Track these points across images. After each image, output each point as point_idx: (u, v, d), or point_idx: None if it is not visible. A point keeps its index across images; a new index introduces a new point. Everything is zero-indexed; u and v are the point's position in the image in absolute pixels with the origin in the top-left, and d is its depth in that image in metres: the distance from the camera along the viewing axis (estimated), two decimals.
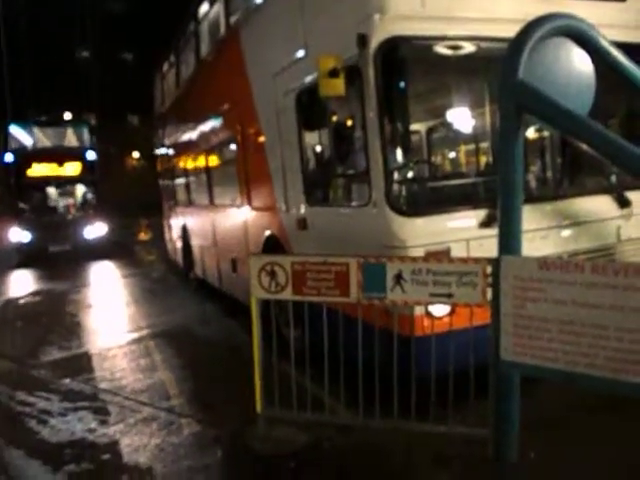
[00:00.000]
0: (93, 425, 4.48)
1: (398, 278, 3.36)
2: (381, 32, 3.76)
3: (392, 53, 3.77)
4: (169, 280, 11.67)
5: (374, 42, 3.76)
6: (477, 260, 3.25)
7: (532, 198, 4.00)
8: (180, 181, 11.03)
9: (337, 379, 3.77)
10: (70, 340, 7.16)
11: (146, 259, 15.67)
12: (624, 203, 4.40)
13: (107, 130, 49.99)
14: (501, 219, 3.20)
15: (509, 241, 3.15)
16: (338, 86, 3.86)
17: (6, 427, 4.61)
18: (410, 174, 4.08)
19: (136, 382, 5.43)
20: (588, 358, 2.72)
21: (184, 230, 10.61)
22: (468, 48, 4.01)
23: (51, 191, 17.04)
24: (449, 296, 3.29)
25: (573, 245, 4.19)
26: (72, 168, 16.92)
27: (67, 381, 5.55)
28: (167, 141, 12.03)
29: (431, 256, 3.59)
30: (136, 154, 48.60)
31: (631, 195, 4.41)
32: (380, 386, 3.60)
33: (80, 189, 17.33)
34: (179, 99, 10.45)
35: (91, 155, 17.05)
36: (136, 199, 31.54)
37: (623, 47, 3.41)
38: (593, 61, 3.28)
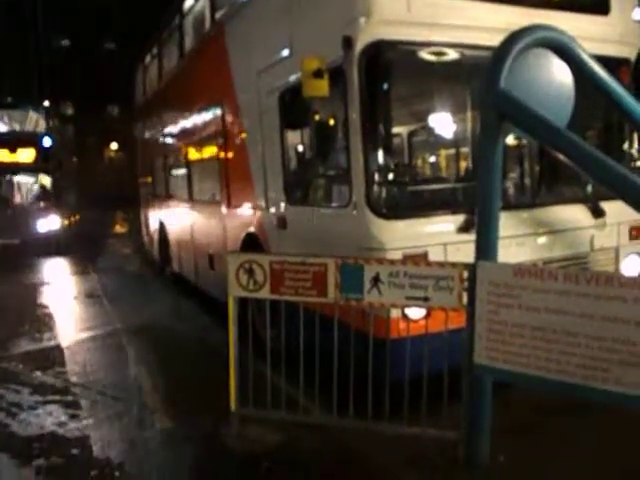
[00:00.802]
0: (63, 419, 4.42)
1: (375, 280, 3.39)
2: (366, 35, 3.80)
3: (376, 56, 3.82)
4: (145, 275, 11.56)
5: (359, 45, 3.80)
6: (454, 265, 3.29)
7: (509, 205, 4.10)
8: (159, 174, 10.93)
9: (312, 379, 3.79)
10: (41, 333, 7.06)
11: (121, 252, 15.49)
12: (598, 213, 4.49)
13: (86, 120, 49.33)
14: (479, 225, 3.26)
15: (486, 247, 3.20)
16: (322, 87, 3.87)
17: None
18: (391, 177, 4.12)
19: (108, 377, 5.39)
20: (559, 364, 2.78)
21: (161, 224, 10.56)
22: (451, 55, 4.10)
23: (0, 180, 15.97)
24: (425, 299, 3.32)
25: (548, 253, 4.26)
26: (25, 155, 15.65)
27: (38, 374, 5.47)
28: (147, 133, 11.89)
29: (409, 259, 3.66)
30: (114, 145, 48.05)
31: (605, 205, 4.49)
32: (355, 387, 3.62)
33: (34, 178, 16.15)
34: (161, 92, 10.35)
35: (47, 142, 15.80)
36: (113, 191, 31.18)
37: (602, 60, 3.51)
38: (573, 72, 3.35)
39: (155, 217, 11.19)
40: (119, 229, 19.73)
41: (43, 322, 7.65)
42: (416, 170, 4.74)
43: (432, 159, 5.06)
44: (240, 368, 3.91)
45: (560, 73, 3.32)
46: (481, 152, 3.27)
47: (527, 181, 4.56)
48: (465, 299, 3.18)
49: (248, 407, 3.91)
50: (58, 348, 6.37)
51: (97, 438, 4.07)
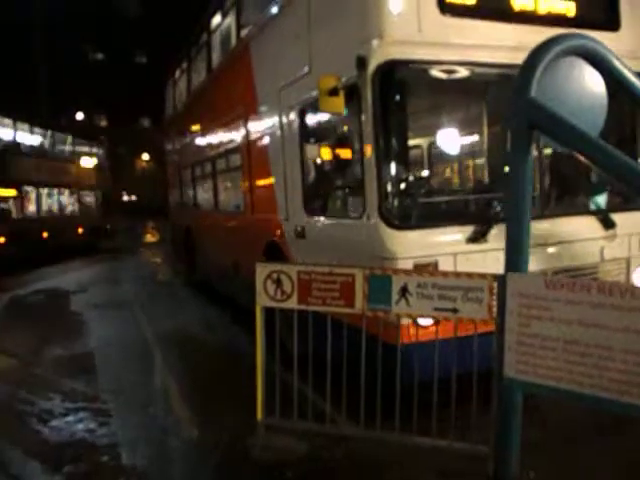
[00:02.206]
0: (93, 426, 4.47)
1: (403, 291, 3.36)
2: (379, 55, 3.96)
3: (389, 75, 3.98)
4: (174, 283, 11.71)
5: (372, 64, 3.96)
6: (483, 276, 3.25)
7: None
8: (186, 185, 11.24)
9: (339, 389, 3.76)
10: (73, 340, 7.17)
11: (152, 261, 15.71)
12: (609, 225, 4.55)
13: (118, 132, 50.27)
14: (508, 236, 3.20)
15: (516, 258, 3.14)
16: (337, 104, 4.07)
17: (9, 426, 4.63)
18: (403, 189, 4.22)
19: (137, 384, 5.44)
20: (592, 379, 2.70)
21: (188, 233, 10.80)
22: (461, 72, 4.22)
23: None
24: (454, 311, 3.28)
25: (557, 263, 4.31)
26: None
27: (69, 380, 5.55)
28: (176, 146, 12.31)
29: (419, 268, 3.75)
30: (146, 156, 48.90)
31: (616, 217, 4.57)
32: (382, 397, 3.59)
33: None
34: (189, 105, 10.71)
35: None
36: (145, 201, 31.72)
37: None
38: (606, 81, 3.29)
39: (182, 226, 11.44)
40: (150, 238, 20.00)
41: (74, 328, 7.78)
42: (427, 183, 4.86)
43: (442, 172, 5.19)
44: (267, 377, 3.91)
45: (592, 82, 3.26)
46: (511, 162, 3.22)
47: (537, 193, 4.56)
48: (495, 311, 3.14)
49: (274, 416, 3.90)
50: (89, 354, 6.46)
51: (125, 445, 4.10)
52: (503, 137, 4.77)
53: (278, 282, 3.75)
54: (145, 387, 5.36)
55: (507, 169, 3.39)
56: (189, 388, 5.23)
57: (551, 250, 4.33)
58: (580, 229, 4.48)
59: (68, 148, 19.89)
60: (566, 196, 4.88)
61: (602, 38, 4.18)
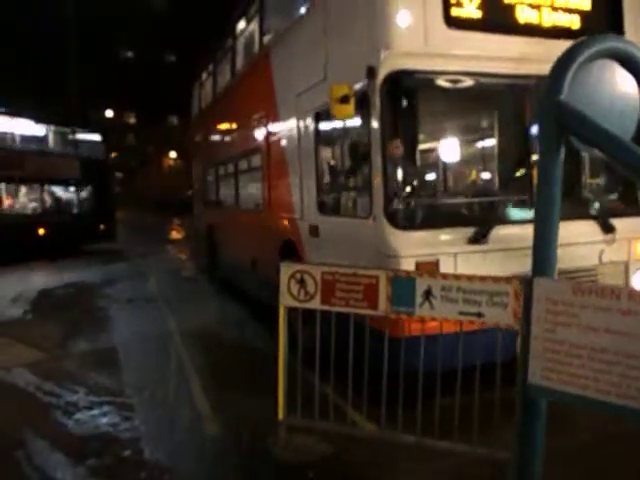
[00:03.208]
0: (116, 420, 4.54)
1: (427, 294, 3.34)
2: (387, 65, 4.22)
3: (396, 84, 4.23)
4: (198, 279, 11.83)
5: (381, 74, 4.23)
6: (509, 280, 3.21)
7: (524, 219, 4.35)
8: (209, 184, 11.61)
9: (361, 390, 3.75)
10: (98, 334, 7.28)
11: (177, 258, 15.87)
12: (608, 229, 4.73)
13: (147, 129, 50.85)
14: (535, 239, 3.15)
15: (543, 262, 3.09)
16: (348, 111, 4.32)
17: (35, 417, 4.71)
18: (407, 192, 4.41)
19: (160, 379, 5.50)
20: (619, 388, 2.65)
21: (210, 230, 11.15)
22: (465, 82, 4.47)
23: None
24: (479, 315, 3.25)
25: (559, 264, 4.19)
26: None
27: (94, 374, 5.64)
28: (201, 146, 12.76)
29: (421, 266, 4.03)
30: (173, 154, 49.41)
31: (615, 222, 4.73)
32: (403, 399, 3.57)
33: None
34: (214, 108, 11.08)
35: None
36: (171, 198, 32.01)
37: None
38: (639, 84, 3.21)
39: (205, 223, 11.78)
40: (175, 235, 20.18)
41: (100, 323, 7.90)
42: (430, 186, 5.04)
43: (445, 176, 5.39)
44: (288, 376, 3.92)
45: (625, 85, 3.19)
46: (540, 165, 3.17)
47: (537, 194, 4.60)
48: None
49: (295, 416, 3.91)
50: (114, 349, 6.56)
51: (148, 440, 4.15)
52: (505, 143, 5.36)
53: (301, 282, 3.76)
54: (168, 382, 5.42)
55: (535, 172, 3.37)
56: (211, 384, 5.27)
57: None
58: (580, 232, 4.58)
59: (29, 133, 16.75)
60: (567, 200, 4.77)
61: None
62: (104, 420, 4.55)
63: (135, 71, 49.32)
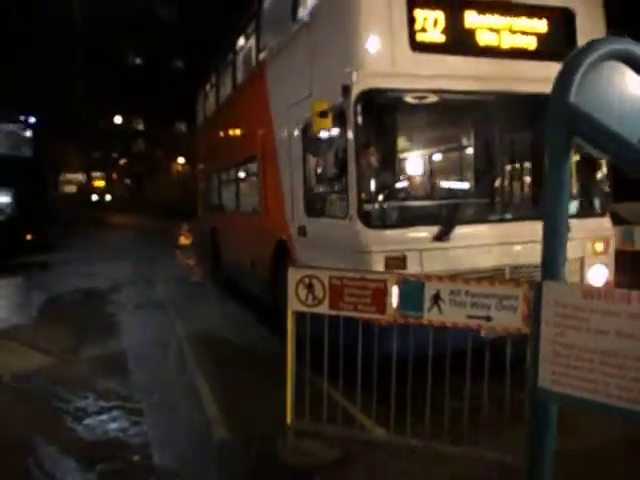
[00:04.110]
0: (126, 425, 4.55)
1: (436, 298, 3.33)
2: (360, 84, 4.72)
3: (368, 101, 4.73)
4: (206, 284, 11.87)
5: (354, 92, 4.71)
6: (518, 284, 3.20)
7: (483, 220, 5.14)
8: (212, 189, 12.27)
9: (370, 394, 3.74)
10: (108, 339, 7.31)
11: (185, 263, 15.91)
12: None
13: (155, 135, 51.05)
14: (544, 243, 3.14)
15: (552, 266, 3.08)
16: (326, 124, 4.86)
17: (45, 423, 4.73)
18: (378, 196, 4.95)
19: (169, 384, 5.52)
20: (630, 392, 2.62)
21: (214, 233, 11.77)
22: (429, 98, 5.01)
23: None
24: (488, 319, 3.24)
25: (516, 260, 4.94)
26: None
27: (103, 380, 5.65)
28: (204, 153, 13.59)
29: (389, 261, 4.55)
30: (181, 160, 49.61)
31: (571, 222, 4.72)
32: (412, 403, 3.56)
33: None
34: (216, 117, 11.81)
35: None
36: (179, 203, 32.03)
37: None
38: None
39: (209, 227, 12.36)
40: (184, 241, 20.20)
41: (110, 328, 7.92)
42: (398, 190, 5.50)
43: (411, 182, 5.98)
44: (297, 381, 3.91)
45: (635, 87, 3.17)
46: (548, 169, 3.15)
47: (499, 200, 5.37)
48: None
49: (304, 420, 3.90)
50: (123, 354, 6.58)
51: (157, 445, 4.16)
52: (466, 152, 6.29)
53: (310, 287, 3.76)
54: (176, 387, 5.43)
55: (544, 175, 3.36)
56: (219, 388, 5.27)
57: (511, 249, 4.97)
58: (537, 231, 4.64)
59: None
60: (526, 202, 5.79)
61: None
62: (113, 425, 4.57)
63: (144, 77, 49.59)
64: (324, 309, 3.75)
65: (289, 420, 3.94)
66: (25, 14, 39.15)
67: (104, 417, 4.73)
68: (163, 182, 49.76)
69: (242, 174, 9.40)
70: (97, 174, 63.16)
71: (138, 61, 54.92)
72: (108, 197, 58.54)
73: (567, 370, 2.84)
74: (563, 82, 2.99)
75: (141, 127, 58.56)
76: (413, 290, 3.42)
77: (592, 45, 3.06)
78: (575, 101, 2.94)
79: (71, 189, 51.61)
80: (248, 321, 8.17)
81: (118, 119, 53.21)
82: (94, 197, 58.10)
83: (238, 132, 9.52)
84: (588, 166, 5.66)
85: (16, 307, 9.61)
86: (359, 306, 3.60)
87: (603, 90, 3.09)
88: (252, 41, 8.45)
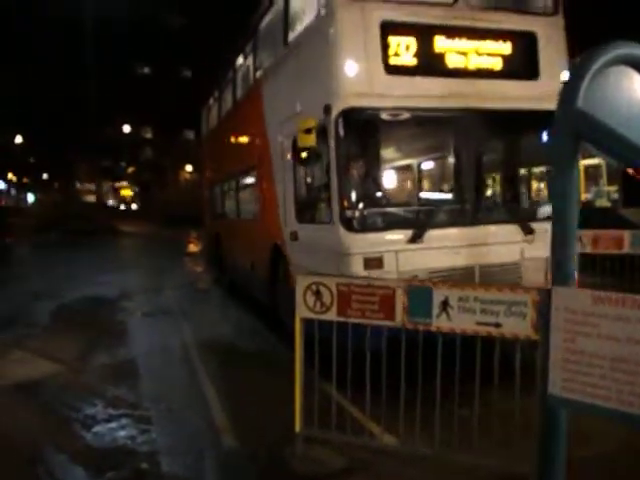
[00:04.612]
0: (134, 433, 4.55)
1: (444, 304, 3.32)
2: (340, 104, 5.20)
3: (347, 118, 5.20)
4: (214, 290, 11.91)
5: (335, 111, 5.20)
6: (527, 290, 3.18)
7: (453, 224, 5.57)
8: (217, 197, 12.97)
9: (379, 401, 3.73)
10: (117, 347, 7.32)
11: (193, 270, 15.95)
12: (528, 231, 5.66)
13: (163, 143, 51.31)
14: (553, 249, 3.12)
15: (562, 272, 3.05)
16: (310, 141, 5.33)
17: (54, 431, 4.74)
18: (358, 203, 5.42)
19: (178, 392, 5.51)
20: None
21: (218, 238, 12.38)
22: (402, 115, 5.53)
23: None
24: (497, 325, 3.22)
25: (486, 259, 5.44)
26: None
27: (112, 387, 5.66)
28: (209, 163, 14.52)
29: (368, 261, 5.06)
30: (189, 168, 49.81)
31: (534, 225, 5.66)
32: (421, 410, 3.54)
33: None
34: (218, 130, 12.55)
35: None
36: (188, 211, 32.15)
37: (537, 113, 5.16)
38: None
39: (214, 233, 13.05)
40: (193, 248, 20.27)
41: (119, 336, 7.94)
42: (376, 198, 5.92)
43: (388, 189, 6.68)
44: (305, 388, 3.90)
45: None
46: (556, 173, 3.14)
47: (469, 205, 5.80)
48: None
49: (312, 428, 3.89)
50: (132, 361, 6.59)
51: (166, 453, 4.15)
52: (437, 162, 7.31)
53: (317, 294, 3.75)
54: (185, 394, 5.44)
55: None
56: (227, 396, 5.26)
57: (480, 250, 5.44)
58: (503, 234, 5.61)
59: None
60: (494, 207, 6.45)
61: (524, 86, 5.78)
62: (122, 433, 4.56)
63: (152, 86, 49.92)
64: (332, 316, 3.74)
65: (298, 427, 3.93)
66: (39, 28, 39.63)
67: (113, 425, 4.73)
68: (171, 190, 49.95)
69: (242, 184, 10.02)
70: (123, 183, 63.69)
71: (146, 70, 55.33)
72: (134, 206, 58.33)
73: (577, 376, 2.81)
74: (570, 88, 2.98)
75: (149, 135, 58.92)
76: (421, 297, 3.40)
77: (599, 50, 3.04)
78: (583, 106, 2.93)
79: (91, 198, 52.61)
80: (256, 328, 8.17)
81: (127, 128, 53.53)
82: (122, 206, 58.52)
83: (239, 144, 10.11)
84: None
85: (24, 313, 9.64)
86: (367, 313, 3.59)
87: (611, 94, 3.07)
88: (250, 60, 9.20)
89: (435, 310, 3.36)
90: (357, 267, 5.05)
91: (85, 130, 31.36)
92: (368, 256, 5.10)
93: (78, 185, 55.00)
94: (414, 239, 5.26)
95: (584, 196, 12.50)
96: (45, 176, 63.60)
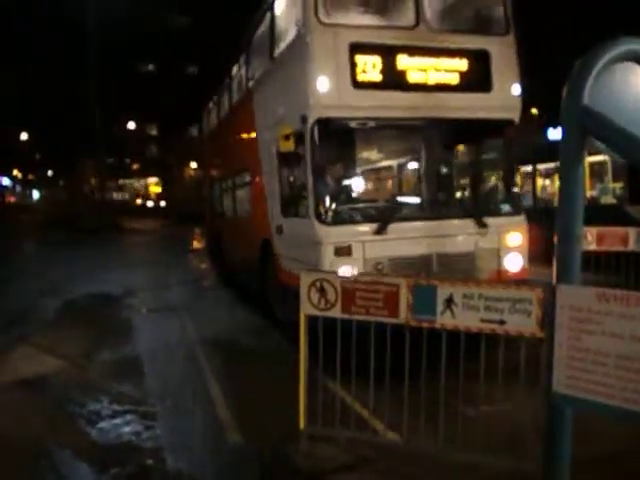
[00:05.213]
0: (139, 429, 4.57)
1: (449, 302, 3.31)
2: (314, 114, 5.98)
3: (320, 127, 5.99)
4: (218, 287, 11.91)
5: (310, 120, 5.98)
6: (531, 287, 3.17)
7: (413, 218, 6.34)
8: (216, 196, 13.65)
9: (383, 399, 3.72)
10: (121, 344, 7.34)
11: (197, 267, 15.97)
12: (482, 225, 6.35)
13: (168, 140, 51.34)
14: (559, 245, 3.10)
15: (566, 269, 3.04)
16: (289, 146, 6.20)
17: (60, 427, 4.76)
18: (329, 200, 6.20)
19: (183, 389, 5.53)
20: None
21: (218, 235, 13.09)
22: (369, 124, 6.35)
23: None
24: (501, 323, 3.21)
25: (442, 249, 6.15)
26: None
27: (117, 384, 5.68)
28: (209, 164, 15.38)
29: (338, 250, 5.80)
30: (194, 164, 49.84)
31: (487, 219, 6.38)
32: (425, 407, 3.54)
33: None
34: (216, 133, 13.51)
35: None
36: (193, 207, 32.12)
37: (492, 122, 6.49)
38: None
39: (214, 230, 13.84)
40: (197, 245, 20.27)
41: (124, 332, 7.96)
42: (346, 196, 6.81)
43: (356, 188, 7.33)
44: (309, 385, 3.90)
45: None
46: (563, 170, 3.12)
47: (428, 202, 6.80)
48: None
49: (316, 425, 3.89)
50: (137, 358, 6.61)
51: (170, 449, 4.17)
52: (400, 165, 8.34)
53: (322, 291, 3.75)
54: (189, 391, 5.45)
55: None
56: (232, 393, 5.28)
57: (437, 241, 6.14)
58: (458, 227, 6.33)
59: None
60: (451, 204, 7.16)
61: (478, 98, 6.48)
62: (127, 429, 4.58)
63: (157, 83, 49.96)
64: (336, 313, 3.74)
65: (302, 425, 3.93)
66: (40, 27, 39.64)
67: (118, 421, 4.75)
68: (176, 187, 50.01)
69: (238, 183, 10.78)
70: (152, 180, 63.27)
71: (151, 67, 55.34)
72: (163, 203, 56.99)
73: (582, 374, 2.80)
74: (576, 84, 2.96)
75: (154, 132, 59.00)
76: (426, 294, 3.40)
77: (604, 47, 3.02)
78: (589, 103, 2.91)
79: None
80: (260, 325, 8.17)
81: (132, 125, 53.62)
82: (149, 203, 58.15)
83: (234, 147, 10.93)
84: (504, 173, 7.05)
85: (31, 308, 9.68)
86: (371, 310, 3.59)
87: (617, 91, 3.05)
88: (243, 71, 10.04)
89: (439, 307, 3.35)
90: (329, 255, 5.80)
91: (92, 128, 31.41)
92: (338, 245, 5.84)
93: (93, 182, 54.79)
94: (379, 231, 5.98)
95: (589, 193, 12.40)
96: (50, 173, 63.82)
